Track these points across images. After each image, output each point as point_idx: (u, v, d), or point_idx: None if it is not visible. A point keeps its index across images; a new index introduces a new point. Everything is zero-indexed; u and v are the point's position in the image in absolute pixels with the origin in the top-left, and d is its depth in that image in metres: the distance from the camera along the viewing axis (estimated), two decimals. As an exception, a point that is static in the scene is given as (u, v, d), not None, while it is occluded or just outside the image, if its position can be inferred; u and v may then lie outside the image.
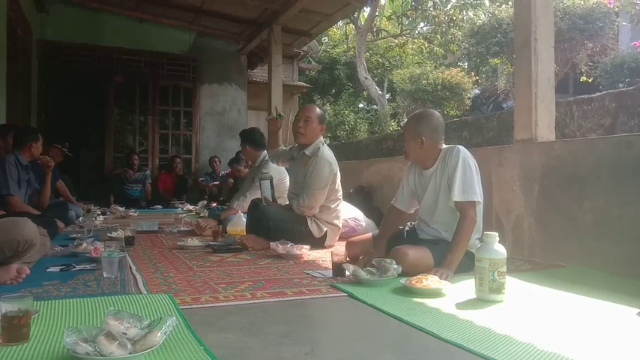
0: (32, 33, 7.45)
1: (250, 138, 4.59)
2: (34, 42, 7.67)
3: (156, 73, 8.93)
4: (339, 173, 3.68)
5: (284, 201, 4.06)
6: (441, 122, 2.73)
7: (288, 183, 4.21)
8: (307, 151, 3.66)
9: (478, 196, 2.52)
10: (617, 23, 9.35)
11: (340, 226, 3.76)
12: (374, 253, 2.69)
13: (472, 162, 2.58)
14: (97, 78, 8.72)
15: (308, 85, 13.85)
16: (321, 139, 3.71)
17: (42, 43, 7.97)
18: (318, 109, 3.78)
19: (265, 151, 4.54)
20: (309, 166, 3.56)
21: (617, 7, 8.78)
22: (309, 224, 3.55)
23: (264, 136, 4.62)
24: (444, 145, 2.70)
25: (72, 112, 9.86)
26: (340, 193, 3.73)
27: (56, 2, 8.03)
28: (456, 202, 2.52)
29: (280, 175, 4.30)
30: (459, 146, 2.62)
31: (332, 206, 3.64)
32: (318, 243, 3.54)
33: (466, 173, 2.52)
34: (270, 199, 3.75)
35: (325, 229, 3.60)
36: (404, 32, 15.44)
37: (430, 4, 14.06)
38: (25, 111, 7.07)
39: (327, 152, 3.62)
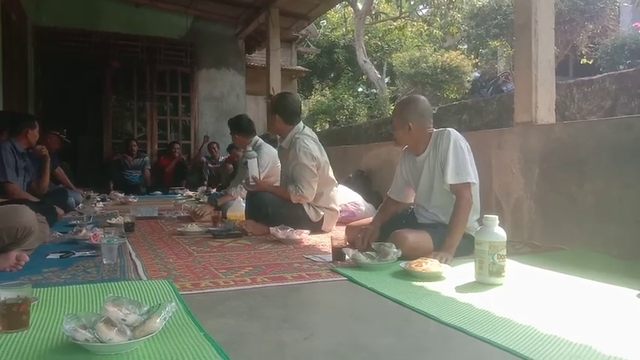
0: (27, 18, 7.37)
1: (237, 126, 4.55)
2: (30, 28, 7.59)
3: (153, 59, 8.86)
4: (327, 160, 3.65)
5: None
6: (428, 107, 2.73)
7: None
8: (283, 144, 3.69)
9: (472, 177, 2.52)
10: (618, 4, 9.28)
11: (338, 209, 3.76)
12: (368, 229, 2.71)
13: (463, 143, 2.57)
14: (93, 64, 8.65)
15: (307, 70, 13.76)
16: (299, 128, 3.64)
17: (37, 29, 7.88)
18: (276, 98, 3.76)
19: (256, 136, 4.51)
20: (290, 159, 3.55)
21: (619, -13, 8.69)
22: (306, 209, 3.55)
23: (251, 122, 4.58)
24: (434, 129, 2.69)
25: (69, 98, 9.81)
26: (333, 178, 3.72)
27: (51, -14, 7.94)
28: (450, 184, 2.52)
29: (274, 159, 4.27)
30: (449, 129, 2.61)
31: (326, 192, 3.63)
32: (316, 227, 3.54)
33: (458, 155, 2.52)
34: (258, 177, 3.72)
35: (322, 213, 3.61)
36: (403, 15, 15.30)
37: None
38: (22, 98, 7.02)
39: (305, 142, 3.52)
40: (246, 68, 9.76)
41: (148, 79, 8.91)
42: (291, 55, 12.78)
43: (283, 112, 3.63)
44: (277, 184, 4.03)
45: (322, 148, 3.68)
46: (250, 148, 3.89)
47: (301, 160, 3.47)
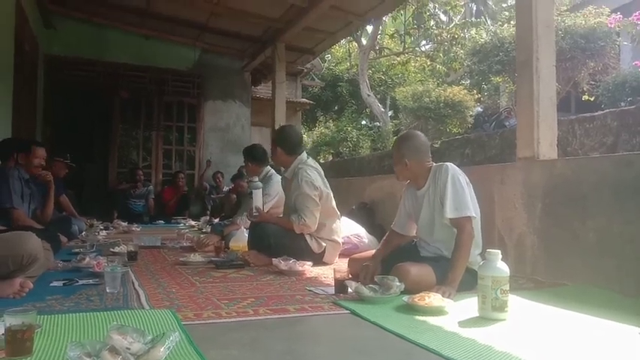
0: (39, 48, 7.54)
1: (252, 154, 4.59)
2: (41, 57, 7.76)
3: (161, 89, 9.00)
4: (329, 192, 3.69)
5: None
6: (424, 141, 2.78)
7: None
8: (287, 174, 3.77)
9: (471, 211, 2.53)
10: (618, 43, 9.39)
11: (340, 242, 3.76)
12: (370, 265, 2.71)
13: (462, 177, 2.60)
14: (102, 93, 8.79)
15: (311, 102, 13.94)
16: (302, 159, 3.70)
17: (48, 58, 8.06)
18: (278, 132, 3.94)
19: (268, 166, 4.56)
20: (293, 189, 3.61)
21: (618, 26, 8.83)
22: (308, 240, 3.56)
23: (265, 152, 4.63)
24: (433, 164, 2.72)
25: (77, 126, 9.92)
26: (336, 211, 3.75)
27: (63, 18, 8.14)
28: (449, 218, 2.53)
29: (280, 192, 4.31)
30: (448, 163, 2.65)
31: (328, 224, 3.65)
32: (318, 259, 3.55)
33: (457, 190, 2.54)
34: (262, 208, 3.75)
35: (324, 245, 3.62)
36: (406, 50, 15.57)
37: (432, 22, 14.20)
38: (31, 124, 7.13)
39: (306, 173, 3.58)
40: (252, 100, 9.91)
41: (155, 110, 9.03)
42: (296, 88, 12.97)
43: (284, 143, 3.72)
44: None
45: (325, 179, 3.72)
46: (257, 179, 3.93)
47: (303, 189, 3.51)
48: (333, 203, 3.72)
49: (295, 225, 3.50)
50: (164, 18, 8.07)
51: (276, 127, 7.47)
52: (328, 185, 3.71)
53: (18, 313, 1.50)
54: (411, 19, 14.15)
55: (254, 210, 3.64)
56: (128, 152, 9.45)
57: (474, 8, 17.11)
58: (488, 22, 14.39)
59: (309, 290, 2.61)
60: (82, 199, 8.18)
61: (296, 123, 12.31)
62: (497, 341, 1.70)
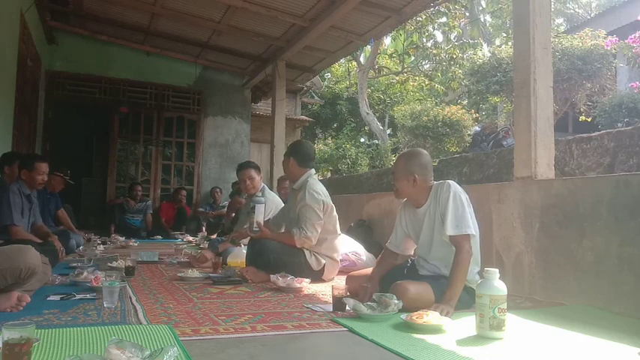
0: (41, 63, 7.60)
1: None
2: (43, 72, 7.82)
3: (161, 105, 9.05)
4: (333, 206, 3.71)
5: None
6: (430, 160, 2.79)
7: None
8: (295, 186, 3.78)
9: (472, 229, 2.54)
10: (614, 64, 9.52)
11: (339, 260, 3.76)
12: (368, 287, 2.70)
13: (463, 195, 2.61)
14: (102, 108, 8.83)
15: (310, 119, 14.02)
16: (310, 172, 3.74)
17: (50, 74, 8.12)
18: (294, 144, 3.96)
19: (263, 184, 4.47)
20: (299, 200, 3.62)
21: (615, 49, 8.96)
22: (307, 257, 3.56)
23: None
24: (434, 182, 2.74)
25: (76, 140, 9.95)
26: (337, 227, 3.75)
27: (66, 34, 8.22)
28: (449, 236, 2.54)
29: (278, 206, 4.31)
30: (449, 181, 2.66)
31: (329, 239, 3.66)
32: (317, 275, 3.54)
33: (458, 207, 2.55)
34: (263, 224, 3.75)
35: (324, 261, 3.61)
36: (405, 69, 15.72)
37: (429, 43, 14.35)
38: (31, 139, 7.15)
39: (314, 184, 3.64)
40: (252, 117, 9.96)
41: (155, 125, 9.07)
42: (296, 105, 13.06)
43: (297, 155, 3.74)
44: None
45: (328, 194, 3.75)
46: (260, 194, 3.95)
47: (308, 201, 3.53)
48: (336, 218, 3.73)
49: (296, 238, 3.50)
50: (166, 36, 8.15)
51: (275, 144, 7.55)
52: (331, 200, 3.73)
53: (16, 327, 1.50)
54: (414, 37, 14.29)
55: (255, 225, 3.64)
56: (127, 167, 9.47)
57: (468, 28, 17.31)
58: (485, 47, 14.57)
59: (307, 307, 2.61)
60: (80, 213, 8.18)
61: (295, 140, 12.37)
62: (495, 360, 1.70)
